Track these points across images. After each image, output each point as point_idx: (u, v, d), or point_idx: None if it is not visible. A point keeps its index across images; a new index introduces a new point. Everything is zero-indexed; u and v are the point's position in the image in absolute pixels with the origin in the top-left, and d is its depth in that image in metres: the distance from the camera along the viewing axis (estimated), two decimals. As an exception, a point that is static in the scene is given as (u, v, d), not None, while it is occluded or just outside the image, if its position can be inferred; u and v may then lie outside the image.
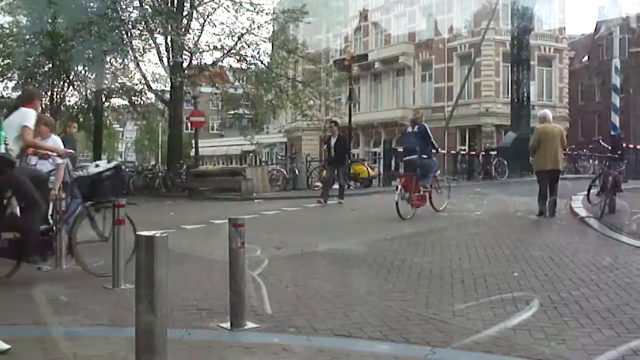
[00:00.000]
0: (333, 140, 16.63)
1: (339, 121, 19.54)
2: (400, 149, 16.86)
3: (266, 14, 26.46)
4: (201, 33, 25.80)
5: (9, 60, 29.76)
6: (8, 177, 6.65)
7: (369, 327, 5.27)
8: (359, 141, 49.40)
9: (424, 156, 13.06)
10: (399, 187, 12.59)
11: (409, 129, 13.77)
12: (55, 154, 7.99)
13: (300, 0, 26.22)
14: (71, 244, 7.38)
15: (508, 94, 35.20)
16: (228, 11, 25.72)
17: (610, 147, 13.40)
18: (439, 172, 14.47)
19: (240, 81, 29.40)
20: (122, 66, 28.84)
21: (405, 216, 12.24)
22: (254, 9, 25.71)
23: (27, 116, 6.99)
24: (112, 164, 8.05)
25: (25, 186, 6.77)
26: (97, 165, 7.84)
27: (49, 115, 7.93)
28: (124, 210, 7.09)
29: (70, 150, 8.71)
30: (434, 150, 13.64)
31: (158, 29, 24.44)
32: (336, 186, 17.38)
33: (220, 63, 27.20)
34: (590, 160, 29.06)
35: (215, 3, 25.64)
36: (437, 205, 13.32)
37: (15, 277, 6.77)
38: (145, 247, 3.66)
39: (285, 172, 25.90)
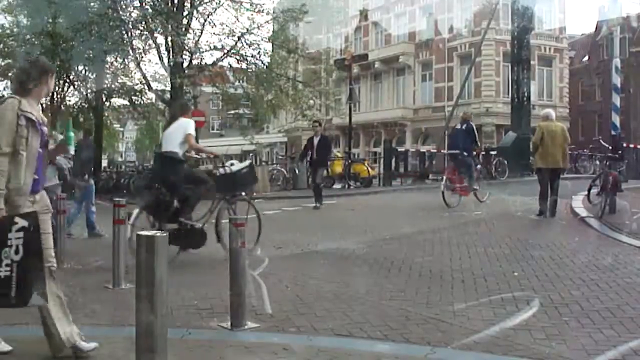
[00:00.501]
0: (316, 140, 16.01)
1: (322, 121, 19.51)
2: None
3: (266, 13, 26.43)
4: (201, 33, 25.74)
5: (9, 60, 29.76)
6: (177, 176, 8.50)
7: (369, 326, 5.28)
8: (359, 141, 49.39)
9: (465, 153, 14.53)
10: (445, 178, 14.37)
11: (459, 126, 15.28)
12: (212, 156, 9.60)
13: (300, -1, 26.19)
14: (217, 231, 8.66)
15: (508, 93, 35.16)
16: (228, 11, 25.70)
17: (610, 147, 13.39)
18: (479, 166, 16.10)
19: (241, 81, 29.34)
20: (122, 66, 28.79)
21: (451, 205, 13.72)
22: (254, 9, 25.67)
23: (189, 125, 8.75)
24: (247, 163, 9.74)
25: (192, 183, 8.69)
26: (232, 164, 9.16)
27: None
28: (124, 210, 7.44)
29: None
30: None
31: (158, 29, 24.39)
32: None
33: (220, 63, 27.16)
34: (591, 160, 29.05)
35: (216, 3, 25.59)
36: (481, 197, 14.76)
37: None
38: (145, 246, 3.66)
39: (285, 171, 25.89)
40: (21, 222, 4.09)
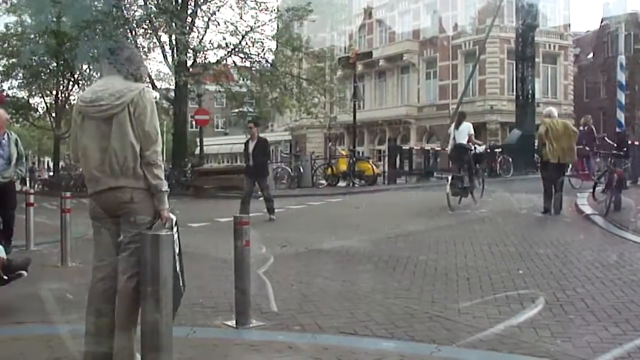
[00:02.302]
0: (252, 145, 13.52)
1: (259, 121, 17.75)
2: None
3: (270, 12, 26.47)
4: (205, 31, 25.83)
5: (14, 59, 29.87)
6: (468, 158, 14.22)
7: (374, 324, 5.27)
8: (363, 139, 49.38)
9: (587, 148, 16.01)
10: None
11: (582, 128, 16.52)
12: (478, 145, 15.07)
13: (304, -2, 26.18)
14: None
15: (513, 91, 35.14)
16: (232, 9, 25.76)
17: (615, 144, 13.37)
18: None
19: (245, 79, 29.38)
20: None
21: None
22: (258, 7, 25.70)
23: (470, 128, 14.41)
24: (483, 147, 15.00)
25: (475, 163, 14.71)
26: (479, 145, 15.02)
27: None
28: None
29: None
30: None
31: (162, 28, 24.46)
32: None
33: (224, 61, 27.20)
34: (596, 158, 28.98)
35: (220, 1, 25.66)
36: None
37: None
38: (150, 245, 3.67)
39: (290, 170, 25.91)
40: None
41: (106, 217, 4.07)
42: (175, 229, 4.03)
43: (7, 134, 8.76)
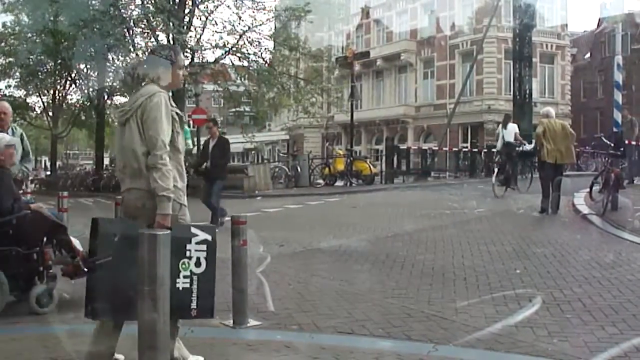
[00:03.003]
0: (211, 144, 12.61)
1: (218, 120, 16.08)
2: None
3: (268, 11, 26.44)
4: (203, 31, 25.77)
5: (11, 59, 29.82)
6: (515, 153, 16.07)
7: (372, 324, 5.28)
8: (361, 138, 49.38)
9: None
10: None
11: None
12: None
13: (301, -3, 26.16)
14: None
15: (510, 91, 35.15)
16: (230, 9, 25.72)
17: (612, 144, 13.39)
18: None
19: (242, 79, 29.35)
20: (124, 64, 28.84)
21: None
22: (256, 7, 25.69)
23: (516, 128, 16.58)
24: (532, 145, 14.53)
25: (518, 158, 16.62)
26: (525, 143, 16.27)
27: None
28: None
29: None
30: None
31: (160, 27, 24.42)
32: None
33: (222, 61, 27.18)
34: (593, 158, 29.02)
35: (217, 0, 25.62)
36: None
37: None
38: (147, 244, 3.66)
39: (287, 169, 25.91)
40: (203, 235, 4.03)
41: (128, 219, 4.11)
42: (203, 247, 4.02)
43: (12, 129, 8.01)
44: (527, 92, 29.93)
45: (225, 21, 25.65)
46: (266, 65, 26.72)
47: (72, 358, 4.45)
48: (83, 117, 36.23)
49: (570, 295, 6.07)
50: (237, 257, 5.26)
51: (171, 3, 24.20)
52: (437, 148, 30.33)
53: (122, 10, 24.29)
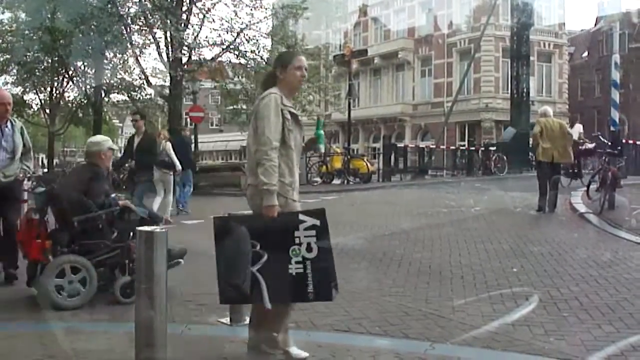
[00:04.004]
0: (136, 141, 11.24)
1: (144, 113, 14.17)
2: None
3: (265, 9, 26.43)
4: (200, 28, 25.71)
5: (8, 56, 29.73)
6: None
7: (369, 322, 5.28)
8: (358, 136, 49.37)
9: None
10: None
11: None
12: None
13: (299, -5, 26.12)
14: None
15: (508, 89, 35.20)
16: (227, 7, 25.68)
17: (609, 143, 13.41)
18: None
19: (240, 76, 29.30)
20: (121, 61, 28.81)
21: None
22: (253, 4, 25.66)
23: (581, 128, 17.69)
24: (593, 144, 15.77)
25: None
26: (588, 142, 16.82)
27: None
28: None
29: None
30: None
31: (157, 24, 24.39)
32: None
33: (219, 58, 27.13)
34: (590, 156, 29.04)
35: (215, -2, 25.58)
36: None
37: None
38: (144, 242, 3.66)
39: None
40: (311, 221, 4.22)
41: None
42: (312, 232, 4.23)
43: (11, 122, 7.30)
44: (525, 90, 29.99)
45: (222, 19, 25.63)
46: (264, 63, 26.67)
47: (69, 356, 4.45)
48: (80, 115, 36.13)
49: (567, 294, 6.08)
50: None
51: (169, 0, 24.16)
52: (434, 146, 30.32)
53: (120, 8, 24.23)
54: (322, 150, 11.19)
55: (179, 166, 12.78)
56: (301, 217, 4.20)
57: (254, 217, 4.26)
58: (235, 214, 4.55)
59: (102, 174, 6.44)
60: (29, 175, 7.43)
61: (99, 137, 6.84)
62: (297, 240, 4.14)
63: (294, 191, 4.34)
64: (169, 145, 12.84)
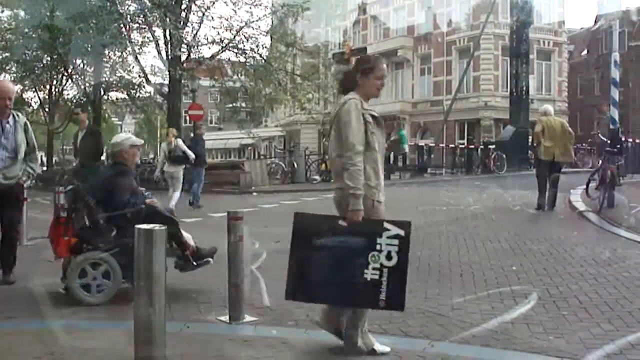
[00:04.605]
0: (79, 137, 10.97)
1: (86, 110, 13.61)
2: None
3: (265, 7, 26.43)
4: (200, 26, 25.73)
5: (7, 54, 29.72)
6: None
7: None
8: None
9: None
10: None
11: None
12: None
13: (298, -7, 26.10)
14: None
15: (507, 87, 35.20)
16: (227, 4, 25.67)
17: (608, 141, 13.41)
18: None
19: (239, 75, 29.30)
20: (120, 59, 28.79)
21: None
22: (253, 3, 25.66)
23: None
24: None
25: None
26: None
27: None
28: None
29: None
30: None
31: (157, 22, 24.38)
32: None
33: (218, 56, 27.13)
34: (590, 154, 29.07)
35: (214, -4, 25.57)
36: None
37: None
38: (143, 239, 3.66)
39: (283, 165, 25.92)
40: (395, 230, 4.22)
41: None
42: (395, 241, 4.23)
43: (14, 117, 6.53)
44: (524, 88, 29.96)
45: (221, 17, 25.64)
46: (263, 61, 26.68)
47: (68, 354, 4.44)
48: (79, 113, 36.14)
49: (566, 292, 6.08)
50: (233, 253, 5.26)
51: (168, -2, 24.15)
52: (433, 144, 30.31)
53: (119, 6, 24.22)
54: (406, 150, 12.11)
55: (192, 155, 14.46)
56: (386, 225, 4.24)
57: (339, 219, 4.34)
58: (321, 215, 4.63)
59: (126, 172, 6.42)
60: (33, 178, 6.95)
61: (119, 137, 6.77)
62: (378, 247, 4.19)
63: (379, 192, 4.37)
64: (179, 141, 14.74)
